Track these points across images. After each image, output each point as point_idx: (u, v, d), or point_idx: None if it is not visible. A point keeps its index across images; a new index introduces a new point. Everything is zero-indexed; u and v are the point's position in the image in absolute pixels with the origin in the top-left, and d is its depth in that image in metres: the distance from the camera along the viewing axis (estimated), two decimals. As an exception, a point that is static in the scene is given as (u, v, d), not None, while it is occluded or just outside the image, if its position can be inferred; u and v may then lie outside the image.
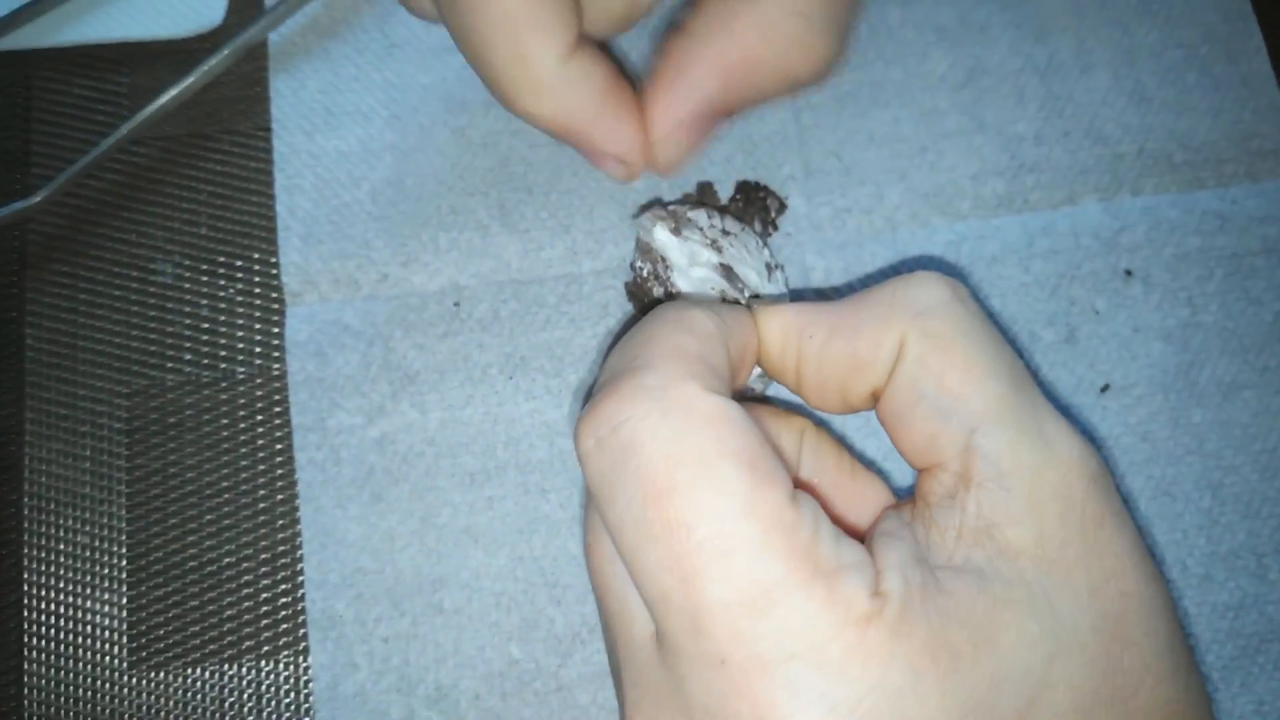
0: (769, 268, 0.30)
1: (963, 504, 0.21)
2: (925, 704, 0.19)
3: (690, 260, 0.29)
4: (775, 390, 0.32)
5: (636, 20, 0.27)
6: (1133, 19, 0.35)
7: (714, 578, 0.19)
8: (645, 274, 0.29)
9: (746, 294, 0.29)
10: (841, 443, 0.30)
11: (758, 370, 0.27)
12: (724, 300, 0.29)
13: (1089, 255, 0.33)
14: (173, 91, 0.32)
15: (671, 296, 0.29)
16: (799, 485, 0.24)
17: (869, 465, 0.30)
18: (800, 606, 0.19)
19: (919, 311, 0.22)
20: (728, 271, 0.29)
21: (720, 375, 0.22)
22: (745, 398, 0.30)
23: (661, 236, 0.29)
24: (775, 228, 0.32)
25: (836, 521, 0.23)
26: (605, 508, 0.21)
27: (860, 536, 0.22)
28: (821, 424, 0.31)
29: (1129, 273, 0.33)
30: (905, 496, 0.24)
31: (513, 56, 0.24)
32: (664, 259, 0.29)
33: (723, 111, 0.26)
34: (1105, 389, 0.32)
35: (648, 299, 0.30)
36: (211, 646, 0.31)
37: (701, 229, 0.29)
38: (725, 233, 0.30)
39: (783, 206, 0.33)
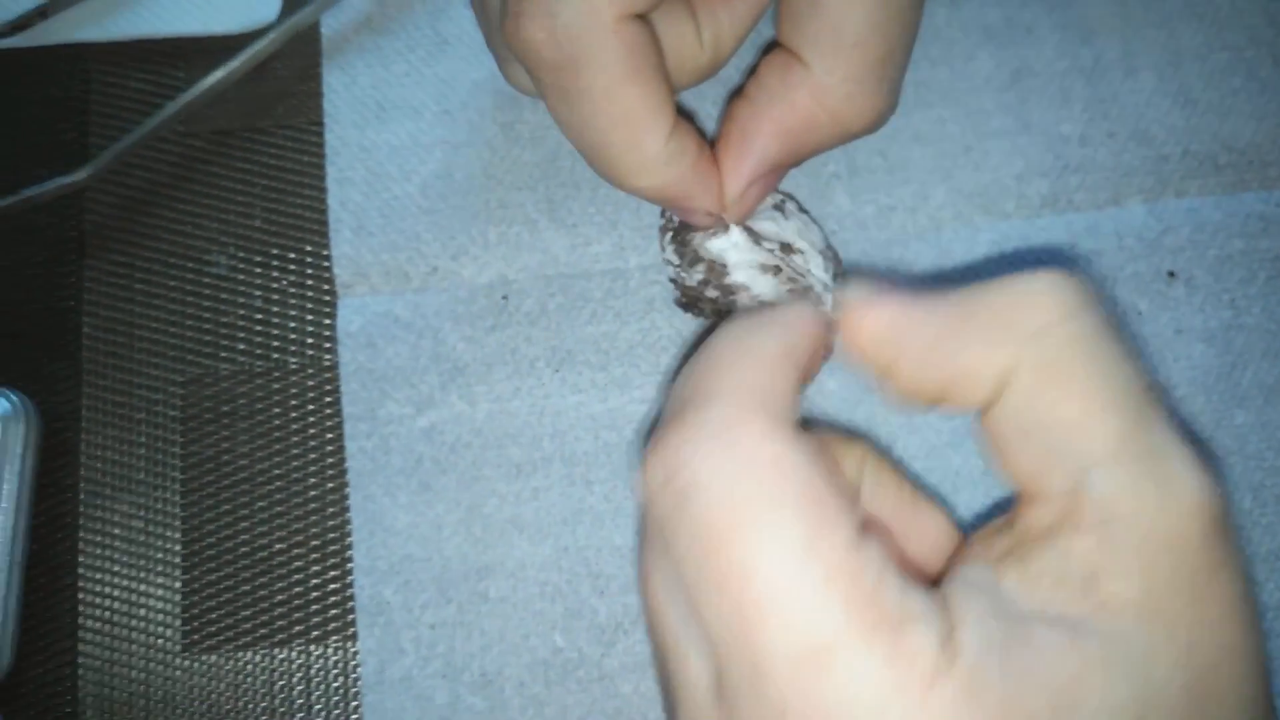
0: (824, 256, 0.30)
1: (1065, 548, 0.20)
2: None
3: (750, 245, 0.29)
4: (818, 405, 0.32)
5: (717, 71, 0.29)
6: (1179, 22, 0.35)
7: (773, 627, 0.19)
8: (696, 282, 0.30)
9: (809, 272, 0.29)
10: (903, 471, 0.29)
11: None
12: (791, 289, 0.29)
13: (1132, 256, 0.33)
14: (223, 71, 0.33)
15: (729, 291, 0.29)
16: (866, 522, 0.24)
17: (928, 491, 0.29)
18: (860, 664, 0.18)
19: (1034, 331, 0.20)
20: (786, 248, 0.29)
21: (787, 401, 0.21)
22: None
23: (717, 245, 0.29)
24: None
25: (899, 557, 0.23)
26: (670, 546, 0.21)
27: (923, 572, 0.22)
28: (881, 453, 0.30)
29: (1172, 274, 0.33)
30: (969, 530, 0.24)
31: (627, 143, 0.26)
32: (722, 264, 0.29)
33: (785, 166, 0.28)
34: (1147, 389, 0.33)
35: (704, 303, 0.30)
36: (263, 630, 0.32)
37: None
38: (776, 207, 0.30)
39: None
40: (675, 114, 0.27)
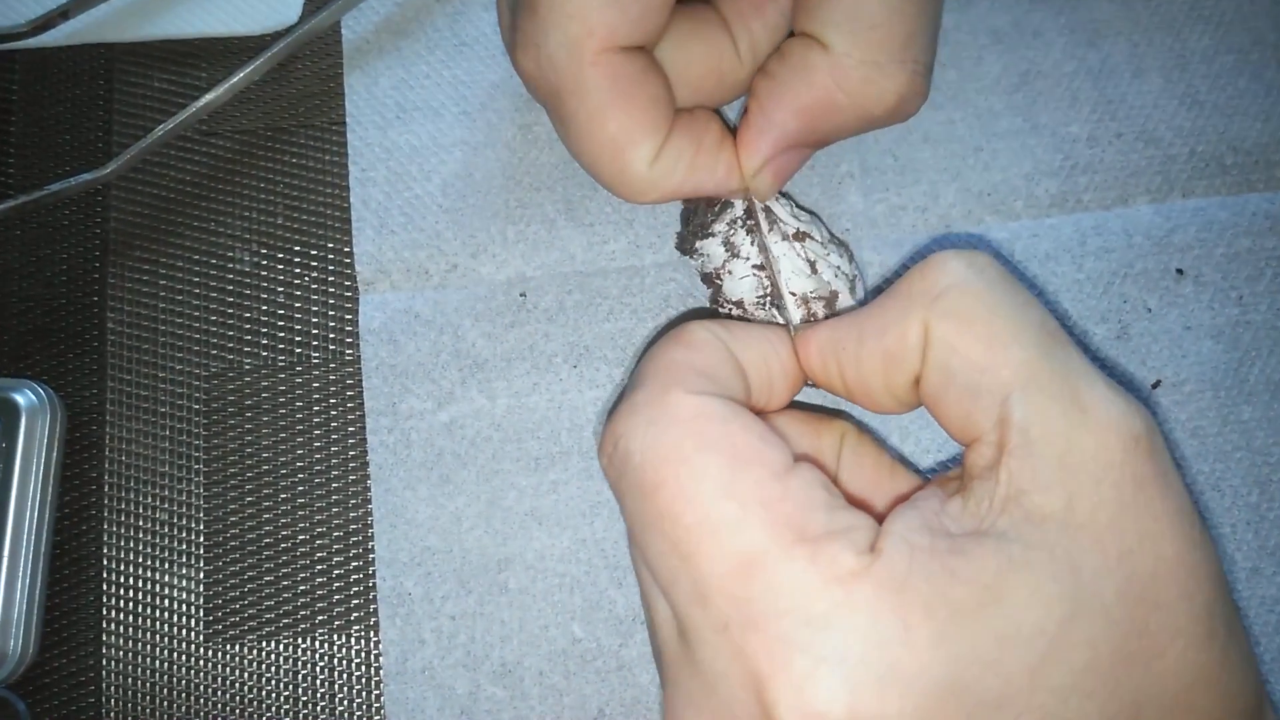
0: (835, 244, 0.31)
1: (997, 474, 0.22)
2: (917, 653, 0.20)
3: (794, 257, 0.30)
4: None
5: (733, 96, 0.30)
6: (1185, 24, 0.36)
7: (705, 553, 0.21)
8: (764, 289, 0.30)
9: (834, 264, 0.30)
10: (883, 444, 0.32)
11: None
12: (762, 318, 0.30)
13: (1141, 254, 0.34)
14: (245, 72, 0.33)
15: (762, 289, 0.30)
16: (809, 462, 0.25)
17: (911, 467, 0.31)
18: (784, 569, 0.21)
19: (937, 294, 0.23)
20: (800, 236, 0.30)
21: (717, 378, 0.24)
22: None
23: (773, 255, 0.29)
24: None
25: (870, 511, 0.24)
26: (622, 512, 0.24)
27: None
28: (864, 428, 0.32)
29: (1180, 272, 0.34)
30: None
31: (613, 166, 0.27)
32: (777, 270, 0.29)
33: (807, 146, 0.29)
34: (1157, 385, 0.33)
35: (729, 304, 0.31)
36: (285, 620, 0.32)
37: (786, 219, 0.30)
38: (803, 229, 0.30)
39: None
40: (666, 132, 0.27)
